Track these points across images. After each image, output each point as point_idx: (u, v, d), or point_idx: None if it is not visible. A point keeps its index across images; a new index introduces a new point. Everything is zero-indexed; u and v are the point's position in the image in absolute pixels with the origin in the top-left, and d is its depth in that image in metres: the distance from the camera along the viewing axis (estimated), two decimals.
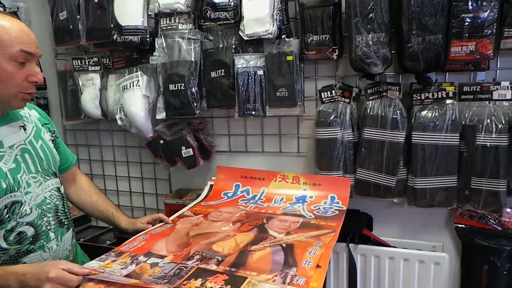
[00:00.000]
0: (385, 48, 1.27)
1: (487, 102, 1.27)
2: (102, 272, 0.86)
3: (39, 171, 1.06)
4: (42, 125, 1.15)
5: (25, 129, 1.07)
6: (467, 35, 1.21)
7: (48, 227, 1.06)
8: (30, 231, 1.01)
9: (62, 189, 1.15)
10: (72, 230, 1.17)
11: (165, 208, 1.73)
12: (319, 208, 1.33)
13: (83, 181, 1.34)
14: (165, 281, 0.82)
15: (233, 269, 0.88)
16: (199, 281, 0.81)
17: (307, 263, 0.91)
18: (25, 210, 1.00)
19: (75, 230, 1.73)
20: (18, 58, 0.93)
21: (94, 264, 0.92)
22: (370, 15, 1.26)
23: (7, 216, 0.96)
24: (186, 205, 1.45)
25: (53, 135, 1.19)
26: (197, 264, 0.90)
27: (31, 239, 1.01)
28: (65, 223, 1.12)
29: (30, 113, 1.13)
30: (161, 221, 1.28)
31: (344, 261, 1.48)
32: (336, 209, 1.32)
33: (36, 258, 1.02)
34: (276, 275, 0.85)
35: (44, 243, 1.04)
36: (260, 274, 0.85)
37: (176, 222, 1.25)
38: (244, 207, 1.37)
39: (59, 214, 1.10)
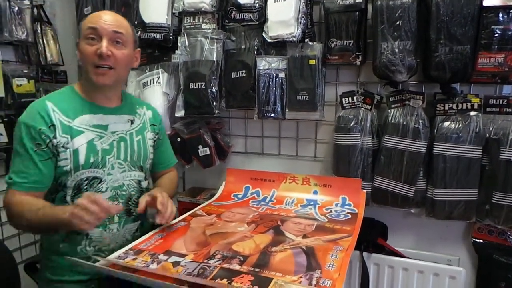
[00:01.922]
0: (411, 56, 1.26)
1: None
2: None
3: (127, 160, 1.17)
4: (150, 125, 1.28)
5: (132, 123, 1.21)
6: (496, 47, 1.19)
7: None
8: None
9: (143, 184, 1.24)
10: (141, 224, 1.23)
11: (179, 206, 1.73)
12: (331, 211, 1.32)
13: (164, 176, 1.39)
14: (193, 278, 0.82)
15: (257, 270, 0.87)
16: (224, 281, 0.81)
17: (331, 265, 0.90)
18: (102, 187, 1.12)
19: None
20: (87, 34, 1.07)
21: (116, 261, 0.91)
22: (398, 23, 1.25)
23: (85, 187, 1.09)
24: (200, 204, 1.45)
25: (156, 136, 1.30)
26: (219, 264, 0.90)
27: None
28: (133, 213, 1.19)
29: (146, 113, 1.28)
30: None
31: (357, 269, 1.46)
32: (348, 212, 1.31)
33: (97, 234, 1.12)
34: (301, 277, 0.84)
35: (107, 223, 1.13)
36: (285, 275, 0.85)
37: (189, 221, 1.25)
38: (256, 208, 1.37)
39: (130, 203, 1.19)
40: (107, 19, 1.08)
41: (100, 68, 1.07)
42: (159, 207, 1.09)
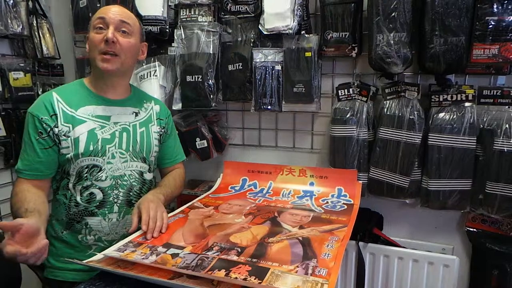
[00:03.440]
0: (406, 48, 1.27)
1: (507, 107, 1.26)
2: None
3: (129, 151, 1.19)
4: (156, 119, 1.30)
5: (136, 115, 1.24)
6: (490, 38, 1.20)
7: (115, 200, 1.17)
8: (99, 195, 1.15)
9: (146, 176, 1.25)
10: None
11: (177, 198, 1.74)
12: (327, 202, 1.34)
13: (171, 172, 1.39)
14: (189, 271, 0.83)
15: (254, 260, 0.89)
16: (222, 272, 0.82)
17: (327, 255, 0.92)
18: (101, 176, 1.14)
19: None
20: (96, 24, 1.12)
21: (114, 254, 0.92)
22: (393, 14, 1.26)
23: (85, 175, 1.13)
24: (198, 196, 1.47)
25: (163, 130, 1.31)
26: (217, 255, 0.91)
27: (98, 203, 1.15)
28: (135, 204, 1.18)
29: (154, 107, 1.31)
30: None
31: (353, 259, 1.49)
32: (344, 203, 1.33)
33: (96, 222, 1.16)
34: (297, 266, 0.86)
35: (107, 212, 1.16)
36: (282, 265, 0.86)
37: (187, 212, 1.26)
38: (253, 200, 1.38)
39: (131, 194, 1.21)
40: (115, 10, 1.14)
41: (106, 55, 1.10)
42: (143, 228, 1.03)
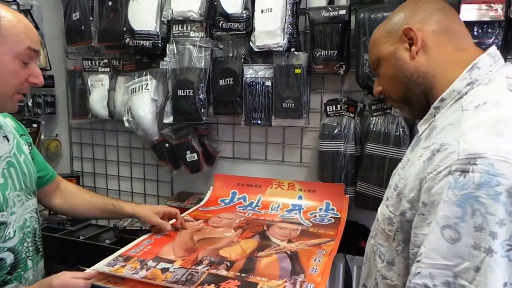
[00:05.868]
0: None
1: None
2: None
3: (23, 189, 0.95)
4: (20, 136, 1.02)
5: (8, 140, 0.95)
6: None
7: (27, 254, 0.96)
8: (10, 258, 0.90)
9: (37, 210, 1.04)
10: (44, 258, 1.06)
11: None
12: (315, 216, 1.37)
13: (68, 187, 1.20)
14: (179, 286, 0.85)
15: (243, 275, 0.91)
16: (212, 287, 0.84)
17: (314, 270, 0.94)
18: (9, 233, 0.89)
19: (75, 228, 1.75)
20: (24, 56, 0.84)
21: (104, 269, 0.92)
22: None
23: None
24: (188, 209, 1.48)
25: (30, 147, 1.06)
26: (207, 270, 0.93)
27: (9, 268, 0.91)
28: (40, 249, 1.03)
29: (6, 122, 0.99)
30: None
31: (340, 271, 1.51)
32: (331, 217, 1.36)
33: None
34: (285, 281, 0.88)
35: (22, 272, 0.94)
36: (271, 280, 0.88)
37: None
38: (243, 213, 1.40)
39: (36, 239, 1.01)
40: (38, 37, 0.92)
41: (19, 94, 0.90)
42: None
